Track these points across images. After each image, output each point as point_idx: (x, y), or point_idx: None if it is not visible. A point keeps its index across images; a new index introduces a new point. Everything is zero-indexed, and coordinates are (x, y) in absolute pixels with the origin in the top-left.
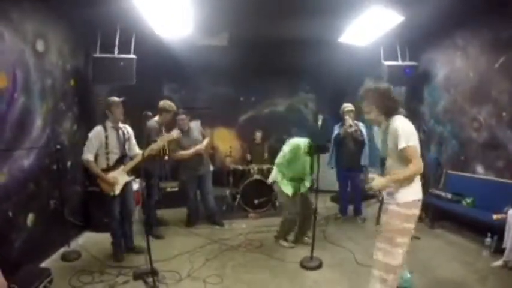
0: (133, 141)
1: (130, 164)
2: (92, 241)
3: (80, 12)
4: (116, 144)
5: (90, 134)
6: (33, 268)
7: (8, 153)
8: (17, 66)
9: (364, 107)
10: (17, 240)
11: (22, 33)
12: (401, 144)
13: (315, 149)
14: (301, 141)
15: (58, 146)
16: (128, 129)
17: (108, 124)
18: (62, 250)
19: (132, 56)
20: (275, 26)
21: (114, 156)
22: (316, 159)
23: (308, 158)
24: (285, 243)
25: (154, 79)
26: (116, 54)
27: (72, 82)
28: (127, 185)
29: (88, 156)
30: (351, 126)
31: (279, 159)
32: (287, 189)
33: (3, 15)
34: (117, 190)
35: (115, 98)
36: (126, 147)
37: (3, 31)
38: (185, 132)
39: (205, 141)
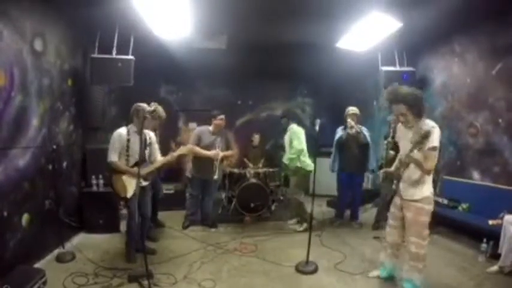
0: (156, 146)
1: (146, 170)
2: (87, 242)
3: (79, 13)
4: (136, 149)
5: (112, 137)
6: (27, 269)
7: (4, 152)
8: (14, 64)
9: (400, 108)
10: (12, 241)
11: (20, 31)
12: (433, 143)
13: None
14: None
15: (54, 146)
16: (151, 135)
17: (132, 128)
18: (56, 251)
19: (130, 57)
20: (274, 30)
21: (133, 160)
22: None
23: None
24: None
25: (152, 81)
26: (114, 55)
27: (69, 82)
28: (145, 190)
29: (112, 157)
30: (352, 127)
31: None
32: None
33: (2, 13)
34: (129, 193)
35: (145, 107)
36: (147, 152)
37: (1, 29)
38: (215, 132)
39: (229, 152)
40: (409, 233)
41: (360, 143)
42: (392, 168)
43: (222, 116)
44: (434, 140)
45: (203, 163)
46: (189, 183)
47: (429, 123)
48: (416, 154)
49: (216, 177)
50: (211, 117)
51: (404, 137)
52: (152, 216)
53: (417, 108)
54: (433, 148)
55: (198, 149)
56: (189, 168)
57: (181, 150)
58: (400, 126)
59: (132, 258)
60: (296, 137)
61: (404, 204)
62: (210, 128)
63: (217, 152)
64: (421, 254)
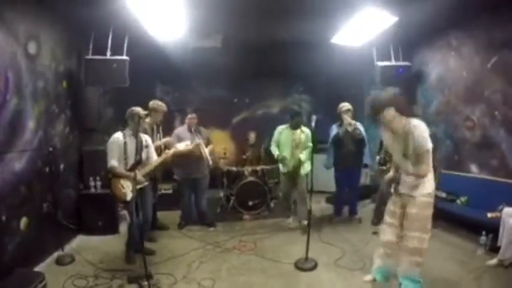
0: (152, 149)
1: (144, 169)
2: (86, 244)
3: (73, 14)
4: (133, 151)
5: (109, 142)
6: (26, 272)
7: (0, 156)
8: (9, 68)
9: (389, 114)
10: (10, 244)
11: (14, 34)
12: (421, 148)
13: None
14: (281, 126)
15: (51, 149)
16: (147, 138)
17: (128, 132)
18: (56, 254)
19: (124, 57)
20: (269, 27)
21: (130, 162)
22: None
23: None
24: (288, 220)
25: (147, 81)
26: (108, 56)
27: (64, 84)
28: (144, 191)
29: (112, 163)
30: (350, 124)
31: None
32: (281, 167)
33: None
34: (129, 196)
35: (139, 111)
36: (143, 155)
37: None
38: (191, 131)
39: (209, 147)
40: (412, 228)
41: (356, 139)
42: (391, 173)
43: (192, 115)
44: (425, 141)
45: (190, 162)
46: (179, 186)
47: (416, 122)
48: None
49: (210, 162)
50: (186, 114)
51: (394, 142)
52: (154, 222)
53: (405, 109)
54: (427, 151)
55: (179, 147)
56: (176, 171)
57: (176, 148)
58: (385, 133)
59: (131, 259)
60: (310, 138)
61: (407, 201)
62: (186, 126)
63: (197, 143)
64: (424, 248)
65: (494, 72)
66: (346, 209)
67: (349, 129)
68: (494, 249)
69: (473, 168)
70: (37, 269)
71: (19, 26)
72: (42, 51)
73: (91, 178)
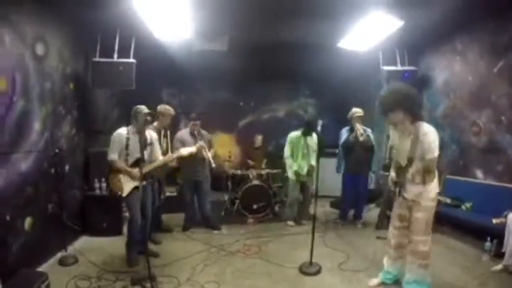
0: (157, 147)
1: (146, 167)
2: (89, 246)
3: (80, 16)
4: (136, 148)
5: (112, 136)
6: (30, 272)
7: (6, 156)
8: (16, 69)
9: (397, 116)
10: (14, 244)
11: (22, 36)
12: (434, 154)
13: (307, 127)
14: (293, 132)
15: (57, 150)
16: (152, 135)
17: (132, 129)
18: (59, 254)
19: (131, 60)
20: (275, 31)
21: (132, 159)
22: (316, 159)
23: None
24: (290, 223)
25: (154, 84)
26: (115, 59)
27: (71, 86)
28: (145, 190)
29: (112, 156)
30: (362, 135)
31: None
32: (291, 175)
33: (3, 18)
34: (125, 192)
35: (144, 109)
36: (146, 152)
37: (3, 34)
38: (194, 135)
39: (212, 151)
40: (418, 232)
41: (366, 146)
42: (393, 174)
43: (197, 122)
44: (434, 148)
45: (192, 164)
46: (181, 189)
47: (426, 129)
48: (416, 164)
49: (213, 165)
50: (190, 120)
51: (401, 144)
52: (158, 224)
53: (415, 111)
54: (434, 159)
55: (182, 150)
56: (179, 174)
57: (180, 152)
58: (393, 131)
59: (133, 261)
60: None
61: (413, 205)
62: (189, 129)
63: (200, 145)
64: (429, 251)
65: (501, 76)
66: (351, 213)
67: (361, 139)
68: (499, 255)
69: (479, 173)
70: (40, 269)
71: (26, 27)
72: (49, 53)
73: (96, 180)
